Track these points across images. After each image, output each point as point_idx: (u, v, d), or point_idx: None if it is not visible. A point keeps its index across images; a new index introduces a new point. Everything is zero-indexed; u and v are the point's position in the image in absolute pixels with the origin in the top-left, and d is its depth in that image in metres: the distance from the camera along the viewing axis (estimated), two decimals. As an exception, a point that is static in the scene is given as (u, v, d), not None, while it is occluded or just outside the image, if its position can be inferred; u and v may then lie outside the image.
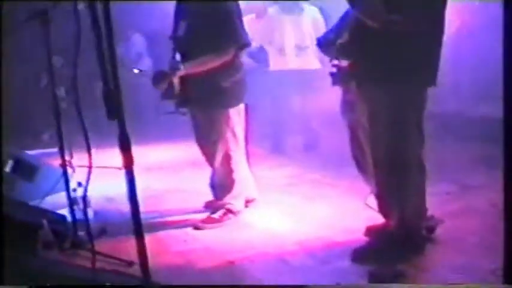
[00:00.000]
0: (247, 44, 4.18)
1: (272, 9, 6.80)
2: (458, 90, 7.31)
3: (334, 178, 5.41)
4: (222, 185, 4.35)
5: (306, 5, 6.60)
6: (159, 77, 4.14)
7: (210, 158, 4.34)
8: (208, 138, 4.24)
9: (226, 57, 4.04)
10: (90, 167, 2.83)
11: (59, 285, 2.92)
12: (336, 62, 3.28)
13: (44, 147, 7.40)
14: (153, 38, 9.35)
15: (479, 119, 6.55)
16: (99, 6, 1.96)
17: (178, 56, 4.04)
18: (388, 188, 3.33)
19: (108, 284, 2.90)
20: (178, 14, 4.27)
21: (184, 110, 4.26)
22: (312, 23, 6.57)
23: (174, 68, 4.01)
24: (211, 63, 4.00)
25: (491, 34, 6.77)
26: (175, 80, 4.08)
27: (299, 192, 5.06)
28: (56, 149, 3.78)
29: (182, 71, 3.98)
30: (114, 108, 1.98)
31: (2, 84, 8.19)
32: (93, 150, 2.58)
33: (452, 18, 7.01)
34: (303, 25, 6.57)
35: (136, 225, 2.11)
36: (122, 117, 2.00)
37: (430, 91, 3.30)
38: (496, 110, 6.38)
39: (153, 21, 8.41)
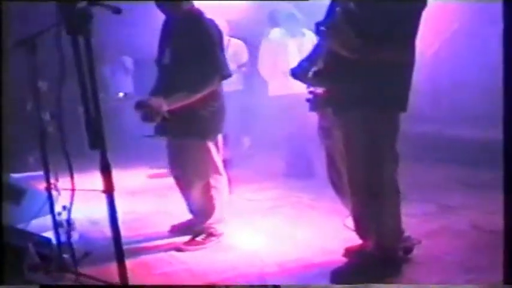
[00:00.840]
0: (229, 75, 4.21)
1: (275, 33, 6.85)
2: (438, 111, 7.43)
3: (314, 200, 5.52)
4: (202, 210, 4.39)
5: (306, 30, 6.66)
6: (141, 105, 4.11)
7: (185, 185, 4.37)
8: (184, 167, 4.26)
9: (212, 88, 4.09)
10: (73, 190, 2.92)
11: (60, 285, 2.97)
12: (311, 89, 3.38)
13: (30, 170, 7.43)
14: (140, 60, 9.40)
15: (459, 139, 6.68)
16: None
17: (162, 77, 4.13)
18: (364, 210, 3.43)
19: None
20: (164, 41, 4.33)
21: (163, 136, 4.32)
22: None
23: (159, 105, 3.98)
24: (195, 96, 4.04)
25: (471, 55, 7.00)
26: (155, 104, 4.06)
27: (280, 214, 5.16)
28: (41, 172, 3.82)
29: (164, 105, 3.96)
30: (95, 137, 2.07)
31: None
32: (77, 173, 2.66)
33: (430, 40, 7.24)
34: (306, 49, 6.67)
35: (118, 248, 2.19)
36: (104, 146, 2.08)
37: (409, 113, 3.42)
38: (475, 131, 6.55)
39: (140, 44, 8.48)
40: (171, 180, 4.58)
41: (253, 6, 7.65)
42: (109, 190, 2.13)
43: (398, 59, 3.22)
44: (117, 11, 3.13)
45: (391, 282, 3.34)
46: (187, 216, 4.64)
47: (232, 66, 6.50)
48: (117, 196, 2.28)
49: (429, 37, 7.12)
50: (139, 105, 4.02)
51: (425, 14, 3.29)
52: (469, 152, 6.04)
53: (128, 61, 9.75)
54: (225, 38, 6.89)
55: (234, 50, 7.38)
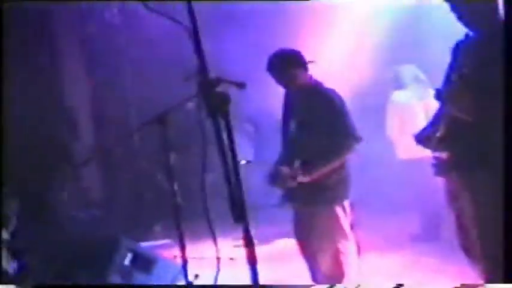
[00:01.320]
0: (360, 139, 4.21)
1: (400, 95, 6.84)
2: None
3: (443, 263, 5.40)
4: (331, 277, 4.29)
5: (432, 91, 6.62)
6: (276, 177, 4.27)
7: (311, 252, 4.33)
8: (312, 233, 4.25)
9: (349, 154, 4.18)
10: (218, 258, 2.99)
11: (59, 285, 2.99)
12: (436, 154, 3.42)
13: (155, 239, 7.71)
14: (259, 126, 9.57)
15: None
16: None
17: (297, 163, 4.16)
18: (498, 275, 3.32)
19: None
20: (287, 113, 4.45)
21: (292, 204, 4.35)
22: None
23: (294, 176, 4.12)
24: (334, 164, 4.15)
25: None
26: (285, 174, 4.19)
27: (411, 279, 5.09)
28: (167, 241, 3.95)
29: (304, 179, 4.10)
30: (240, 211, 2.18)
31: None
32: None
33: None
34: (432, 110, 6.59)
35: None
36: (247, 220, 2.19)
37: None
38: None
39: (259, 109, 8.68)
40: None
41: (376, 67, 7.74)
42: (252, 261, 2.23)
43: None
44: (242, 85, 3.31)
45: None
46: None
47: None
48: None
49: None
50: (273, 180, 4.24)
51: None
52: None
53: (250, 128, 9.88)
54: None
55: None
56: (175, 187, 4.67)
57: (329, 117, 4.13)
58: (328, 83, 4.37)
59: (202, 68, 2.21)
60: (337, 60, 7.82)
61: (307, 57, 4.36)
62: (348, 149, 4.17)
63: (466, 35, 3.33)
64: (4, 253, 4.74)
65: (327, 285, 3.40)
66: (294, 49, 4.39)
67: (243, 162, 8.68)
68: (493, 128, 3.17)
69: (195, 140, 2.66)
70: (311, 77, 4.36)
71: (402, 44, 7.79)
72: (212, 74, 2.30)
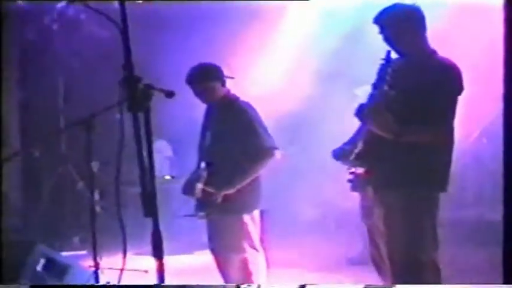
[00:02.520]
0: (276, 148, 4.33)
1: None
2: (481, 195, 7.43)
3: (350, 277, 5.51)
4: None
5: None
6: (189, 187, 4.40)
7: (222, 260, 4.44)
8: (221, 241, 4.38)
9: (265, 165, 4.30)
10: (122, 269, 3.00)
11: (59, 285, 2.98)
12: (353, 169, 3.51)
13: (73, 250, 7.57)
14: (178, 143, 9.55)
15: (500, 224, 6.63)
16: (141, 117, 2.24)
17: (203, 164, 4.32)
18: (404, 288, 3.46)
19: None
20: (205, 126, 4.61)
21: (202, 213, 4.41)
22: None
23: (199, 177, 4.28)
24: (251, 176, 4.28)
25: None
26: (199, 185, 4.31)
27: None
28: (84, 252, 3.91)
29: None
30: (149, 206, 2.21)
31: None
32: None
33: (473, 126, 7.33)
34: None
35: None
36: (156, 215, 2.22)
37: (451, 196, 3.52)
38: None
39: (178, 127, 8.70)
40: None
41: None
42: (160, 263, 2.26)
43: (434, 141, 3.36)
44: (170, 94, 3.35)
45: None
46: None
47: None
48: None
49: (472, 122, 7.23)
50: (187, 191, 4.38)
51: (466, 100, 3.46)
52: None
53: (164, 145, 9.86)
54: None
55: None
56: (96, 196, 4.63)
57: (243, 130, 4.28)
58: (245, 98, 4.52)
59: (127, 64, 2.24)
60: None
61: (230, 71, 4.59)
62: (261, 162, 4.29)
63: (388, 54, 3.43)
64: None
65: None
66: (213, 64, 4.53)
67: (167, 177, 8.71)
68: (410, 146, 3.32)
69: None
70: (228, 91, 4.52)
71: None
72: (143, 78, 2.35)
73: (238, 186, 4.25)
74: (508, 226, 2.97)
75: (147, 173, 2.25)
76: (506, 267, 2.52)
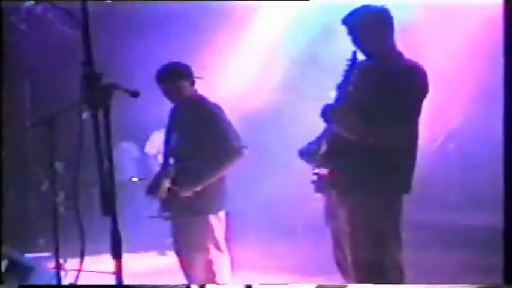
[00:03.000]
0: (245, 147, 4.34)
1: None
2: (448, 198, 7.51)
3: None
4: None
5: None
6: (154, 187, 4.38)
7: (186, 262, 4.41)
8: (185, 242, 4.36)
9: (233, 164, 4.30)
10: (79, 270, 2.96)
11: (59, 285, 2.96)
12: (317, 170, 3.50)
13: (40, 252, 7.47)
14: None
15: (469, 226, 6.73)
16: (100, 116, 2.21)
17: (171, 160, 4.34)
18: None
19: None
20: (171, 126, 4.60)
21: (166, 214, 4.42)
22: None
23: (167, 174, 4.29)
24: (219, 174, 4.28)
25: (478, 143, 7.16)
26: (165, 185, 4.29)
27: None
28: (49, 254, 3.84)
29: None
30: (107, 204, 2.18)
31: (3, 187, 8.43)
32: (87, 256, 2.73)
33: (439, 129, 7.42)
34: None
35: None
36: (115, 214, 2.19)
37: (416, 199, 3.53)
38: (484, 217, 6.56)
39: (145, 129, 8.67)
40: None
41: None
42: (118, 260, 2.23)
43: (398, 143, 3.37)
44: (135, 94, 3.32)
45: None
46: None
47: None
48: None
49: (438, 125, 7.32)
50: (152, 190, 4.35)
51: (431, 103, 3.48)
52: (478, 238, 6.09)
53: (131, 146, 9.79)
54: None
55: None
56: (61, 197, 4.56)
57: (211, 130, 4.28)
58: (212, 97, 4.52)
59: (88, 61, 2.22)
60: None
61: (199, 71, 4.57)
62: (230, 161, 4.29)
63: (353, 54, 3.45)
64: None
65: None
66: (183, 63, 4.52)
67: (134, 179, 8.64)
68: (373, 148, 3.33)
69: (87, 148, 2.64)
70: (196, 91, 4.51)
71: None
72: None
73: (205, 185, 4.22)
74: (509, 230, 3.01)
75: (106, 171, 2.22)
76: (506, 267, 2.53)
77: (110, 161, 2.21)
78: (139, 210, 8.51)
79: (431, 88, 3.47)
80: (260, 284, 4.82)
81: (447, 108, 6.91)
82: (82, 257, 2.78)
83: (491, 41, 5.85)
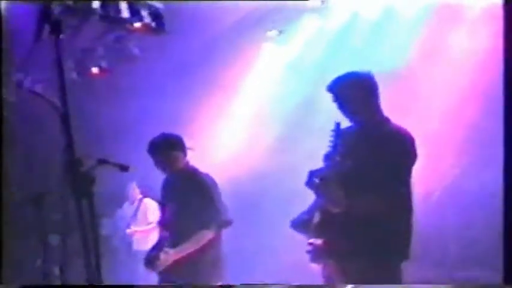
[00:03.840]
0: (229, 221, 4.35)
1: None
2: (446, 255, 7.41)
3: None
4: None
5: None
6: (150, 259, 4.35)
7: None
8: None
9: (210, 235, 4.23)
10: None
11: (59, 285, 2.88)
12: (311, 240, 3.43)
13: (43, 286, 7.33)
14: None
15: (469, 283, 6.61)
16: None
17: (166, 234, 4.35)
18: None
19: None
20: (164, 197, 4.61)
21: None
22: None
23: (162, 247, 4.27)
24: (198, 243, 4.20)
25: (474, 198, 7.12)
26: (162, 256, 4.25)
27: None
28: None
29: (167, 251, 4.21)
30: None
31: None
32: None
33: (433, 187, 7.37)
34: None
35: None
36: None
37: (416, 259, 3.46)
38: (485, 273, 6.46)
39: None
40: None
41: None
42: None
43: (390, 211, 3.30)
44: (125, 168, 3.29)
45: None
46: None
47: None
48: None
49: (431, 183, 7.27)
50: (149, 261, 4.32)
51: (425, 160, 3.44)
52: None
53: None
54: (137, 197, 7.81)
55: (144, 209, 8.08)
56: (56, 272, 4.50)
57: (200, 200, 4.26)
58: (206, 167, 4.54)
59: (68, 146, 2.19)
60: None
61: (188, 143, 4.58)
62: (211, 229, 4.24)
63: (337, 125, 3.42)
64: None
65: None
66: (175, 134, 4.55)
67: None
68: (365, 217, 3.28)
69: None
70: (188, 162, 4.52)
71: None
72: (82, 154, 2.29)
73: (187, 251, 4.19)
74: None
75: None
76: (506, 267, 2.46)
77: (97, 249, 2.15)
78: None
79: (422, 144, 3.46)
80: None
81: (440, 162, 6.89)
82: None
83: (488, 87, 5.90)
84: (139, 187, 8.44)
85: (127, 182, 8.35)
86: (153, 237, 8.00)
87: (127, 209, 8.76)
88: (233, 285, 3.45)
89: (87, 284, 2.23)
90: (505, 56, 3.32)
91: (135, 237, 8.41)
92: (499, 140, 3.41)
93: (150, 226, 8.10)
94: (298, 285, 4.37)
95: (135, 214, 8.41)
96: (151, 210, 8.14)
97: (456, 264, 7.14)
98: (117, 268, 7.52)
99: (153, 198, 8.27)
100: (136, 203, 8.45)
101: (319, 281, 3.63)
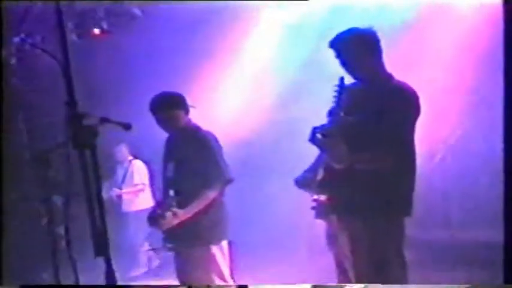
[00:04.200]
0: (230, 180, 4.36)
1: None
2: (448, 216, 7.44)
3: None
4: None
5: None
6: (155, 217, 4.32)
7: None
8: (190, 274, 4.31)
9: (216, 192, 4.25)
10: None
11: (59, 285, 2.92)
12: (315, 196, 3.45)
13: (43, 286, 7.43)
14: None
15: (471, 244, 6.66)
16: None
17: (171, 192, 4.26)
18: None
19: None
20: (167, 155, 4.57)
21: (170, 246, 4.38)
22: None
23: (168, 206, 4.22)
24: (205, 202, 4.21)
25: (477, 158, 7.13)
26: (168, 215, 4.23)
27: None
28: None
29: (176, 212, 4.19)
30: (100, 245, 2.13)
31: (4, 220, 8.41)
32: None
33: (437, 147, 7.37)
34: None
35: None
36: (108, 254, 2.14)
37: (419, 218, 3.47)
38: (488, 234, 6.50)
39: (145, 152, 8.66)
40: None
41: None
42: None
43: (394, 166, 3.30)
44: (127, 127, 3.28)
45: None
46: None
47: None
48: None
49: (435, 144, 7.27)
50: (154, 219, 4.29)
51: (427, 120, 3.43)
52: (482, 255, 6.04)
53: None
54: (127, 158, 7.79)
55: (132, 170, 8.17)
56: (62, 231, 4.51)
57: (203, 158, 4.26)
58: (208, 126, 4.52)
59: (71, 101, 2.18)
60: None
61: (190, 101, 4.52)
62: (216, 188, 4.25)
63: (341, 80, 3.39)
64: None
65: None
66: (176, 92, 4.51)
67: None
68: (369, 173, 3.28)
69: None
70: (190, 120, 4.49)
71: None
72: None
73: (194, 211, 4.19)
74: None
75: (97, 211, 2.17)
76: (506, 267, 2.49)
77: (100, 201, 2.16)
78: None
79: (426, 102, 3.44)
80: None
81: (444, 122, 6.87)
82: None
83: (490, 47, 5.85)
84: (129, 149, 8.48)
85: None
86: (142, 199, 8.25)
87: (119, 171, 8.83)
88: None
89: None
90: (505, 58, 3.32)
91: (124, 199, 8.48)
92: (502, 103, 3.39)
93: (139, 187, 8.29)
94: (315, 285, 4.36)
95: (124, 175, 8.51)
96: (140, 171, 8.32)
97: (458, 226, 7.19)
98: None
99: (142, 160, 8.44)
100: (126, 165, 8.52)
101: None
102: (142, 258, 8.38)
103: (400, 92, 3.40)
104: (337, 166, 3.27)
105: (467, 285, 3.00)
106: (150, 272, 8.23)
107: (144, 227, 8.13)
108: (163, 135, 4.62)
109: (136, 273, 8.22)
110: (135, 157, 8.38)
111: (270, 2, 7.85)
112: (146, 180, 8.40)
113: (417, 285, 3.29)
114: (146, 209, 6.91)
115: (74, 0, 7.23)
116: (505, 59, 3.31)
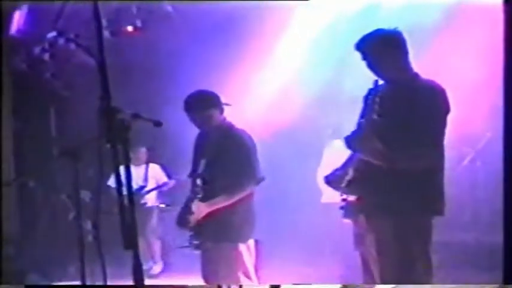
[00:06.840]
0: (262, 179, 4.37)
1: (339, 143, 7.00)
2: (478, 218, 7.37)
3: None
4: None
5: None
6: (183, 215, 4.37)
7: None
8: (216, 271, 4.32)
9: (247, 192, 4.27)
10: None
11: (59, 285, 2.95)
12: (344, 196, 3.47)
13: (69, 279, 7.51)
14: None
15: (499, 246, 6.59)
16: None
17: (199, 181, 4.32)
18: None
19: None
20: (198, 153, 4.56)
21: (196, 242, 4.36)
22: None
23: (195, 194, 4.30)
24: (232, 199, 4.23)
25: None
26: (195, 209, 4.27)
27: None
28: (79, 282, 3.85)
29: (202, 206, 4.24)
30: (129, 238, 2.17)
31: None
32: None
33: (466, 149, 7.31)
34: None
35: None
36: (137, 247, 2.17)
37: (448, 220, 3.47)
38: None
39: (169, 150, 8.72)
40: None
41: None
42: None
43: (427, 165, 3.32)
44: (158, 124, 3.30)
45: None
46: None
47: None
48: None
49: (464, 146, 7.20)
50: (181, 217, 4.36)
51: (457, 123, 3.42)
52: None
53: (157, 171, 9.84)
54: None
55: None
56: (89, 226, 4.57)
57: (237, 157, 4.27)
58: (240, 125, 4.51)
59: (104, 95, 2.22)
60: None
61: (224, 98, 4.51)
62: (247, 187, 4.28)
63: (376, 83, 3.46)
64: None
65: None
66: (211, 91, 4.50)
67: (162, 205, 8.65)
68: (402, 172, 3.29)
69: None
70: (224, 118, 4.49)
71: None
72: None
73: (222, 204, 4.22)
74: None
75: (127, 204, 2.20)
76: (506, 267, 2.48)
77: (130, 194, 2.19)
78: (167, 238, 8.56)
79: (454, 106, 3.43)
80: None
81: (473, 127, 6.81)
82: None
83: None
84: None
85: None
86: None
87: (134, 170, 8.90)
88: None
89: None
90: (505, 58, 3.30)
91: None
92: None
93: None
94: (345, 285, 4.36)
95: (145, 177, 8.57)
96: (157, 174, 8.54)
97: (485, 229, 7.12)
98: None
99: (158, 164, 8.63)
100: (143, 167, 8.59)
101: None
102: (161, 254, 8.53)
103: (429, 90, 3.40)
104: (379, 164, 3.30)
105: (495, 285, 2.96)
106: (171, 269, 8.33)
107: (164, 223, 8.35)
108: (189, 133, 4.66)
109: (157, 271, 8.35)
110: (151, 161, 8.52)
111: (303, 1, 7.84)
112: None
113: (448, 285, 3.26)
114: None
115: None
116: (505, 59, 3.30)
